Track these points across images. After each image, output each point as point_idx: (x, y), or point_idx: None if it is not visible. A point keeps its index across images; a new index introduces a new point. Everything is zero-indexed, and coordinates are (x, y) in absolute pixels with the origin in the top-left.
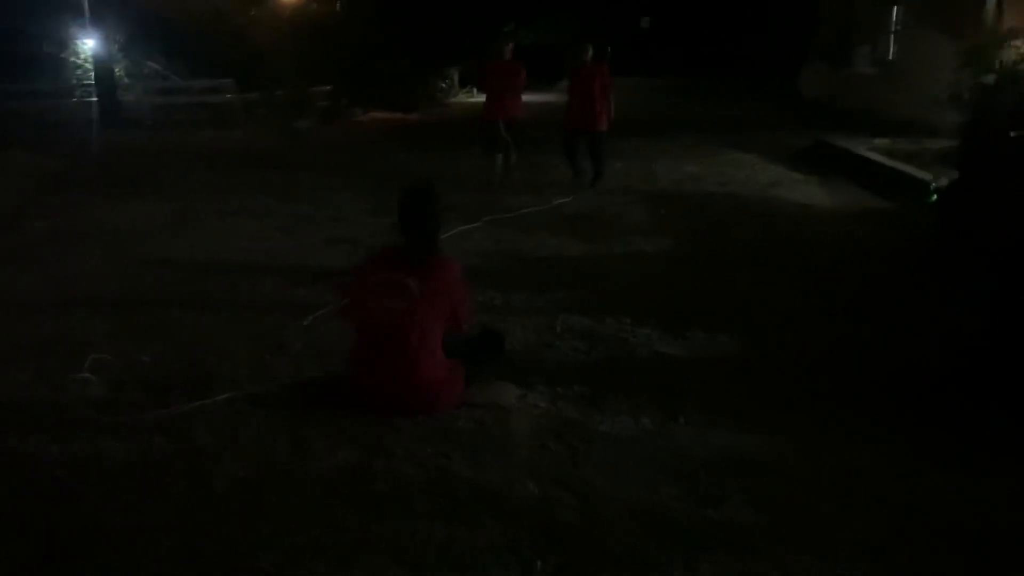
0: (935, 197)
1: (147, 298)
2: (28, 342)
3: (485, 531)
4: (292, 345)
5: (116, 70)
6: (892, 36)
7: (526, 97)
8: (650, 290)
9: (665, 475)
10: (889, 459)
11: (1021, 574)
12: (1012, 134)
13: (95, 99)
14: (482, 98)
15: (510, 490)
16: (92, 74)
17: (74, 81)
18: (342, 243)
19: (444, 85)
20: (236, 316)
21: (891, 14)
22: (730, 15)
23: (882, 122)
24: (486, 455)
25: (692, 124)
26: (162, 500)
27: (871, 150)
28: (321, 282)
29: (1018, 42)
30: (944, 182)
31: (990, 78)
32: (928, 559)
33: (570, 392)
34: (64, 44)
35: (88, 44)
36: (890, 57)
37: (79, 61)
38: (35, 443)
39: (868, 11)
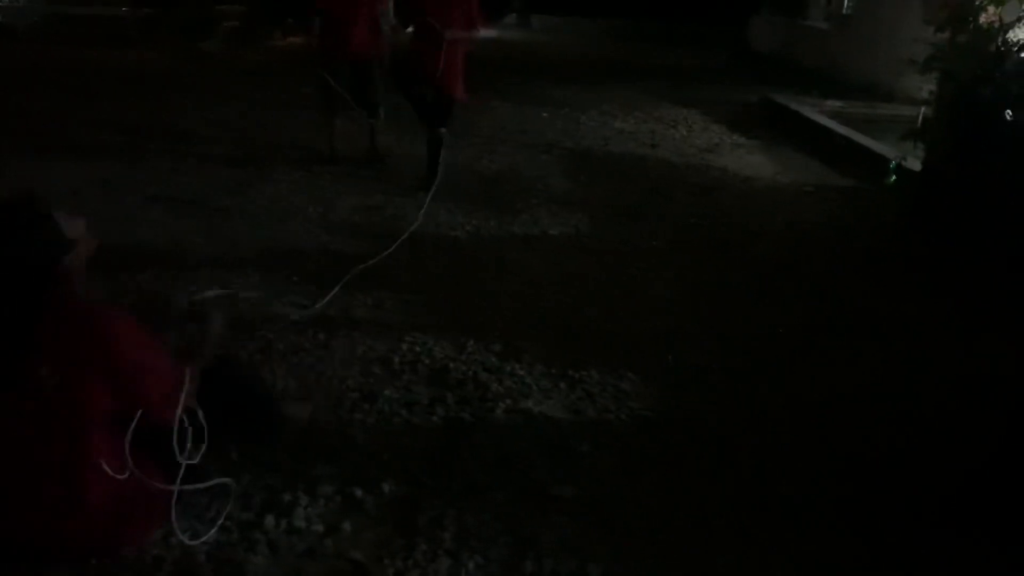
0: (894, 178)
1: None
2: None
3: None
4: None
5: None
6: None
7: None
8: (541, 297)
9: None
10: None
11: None
12: (1009, 115)
13: None
14: None
15: None
16: None
17: None
18: (156, 208)
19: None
20: None
21: None
22: None
23: (834, 82)
24: None
25: (629, 72)
26: None
27: (821, 113)
28: None
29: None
30: (909, 161)
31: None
32: None
33: (375, 498)
34: None
35: None
36: (845, 11)
37: None
38: None
39: None
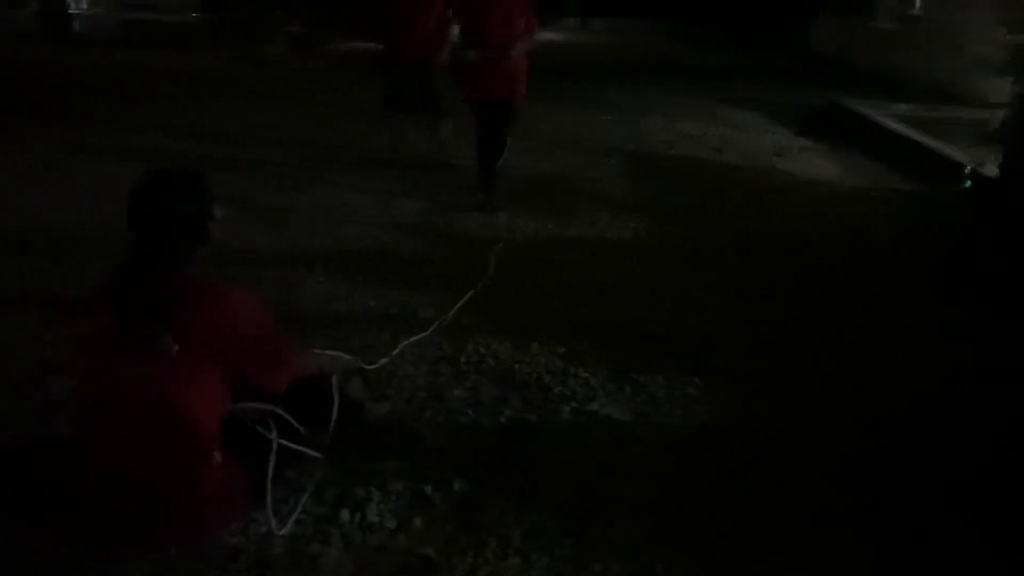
0: (968, 183)
1: None
2: None
3: None
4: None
5: None
6: None
7: None
8: (603, 301)
9: None
10: None
11: None
12: None
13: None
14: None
15: None
16: None
17: None
18: (222, 206)
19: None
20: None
21: None
22: None
23: (901, 84)
24: None
25: (691, 75)
26: None
27: (889, 117)
28: (51, 311)
29: None
30: (986, 168)
31: None
32: None
33: (443, 496)
34: None
35: None
36: (916, 11)
37: None
38: None
39: None
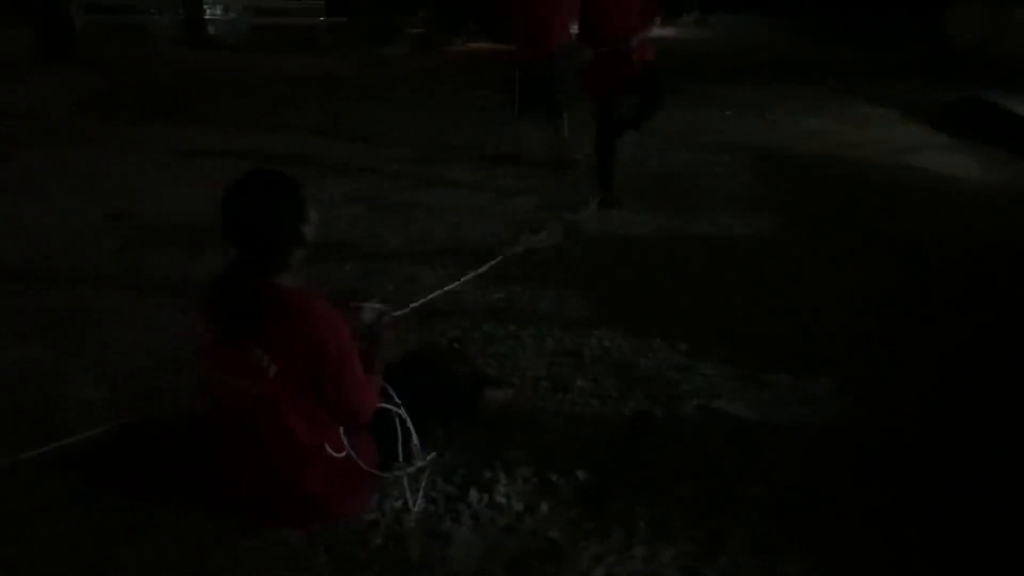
0: None
1: (63, 270)
2: None
3: None
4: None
5: None
6: None
7: None
8: (726, 299)
9: None
10: None
11: None
12: None
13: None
14: None
15: None
16: None
17: None
18: (351, 203)
19: None
20: (142, 308)
21: None
22: None
23: None
24: None
25: (816, 69)
26: None
27: None
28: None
29: None
30: None
31: None
32: None
33: (569, 483)
34: None
35: None
36: None
37: None
38: None
39: None
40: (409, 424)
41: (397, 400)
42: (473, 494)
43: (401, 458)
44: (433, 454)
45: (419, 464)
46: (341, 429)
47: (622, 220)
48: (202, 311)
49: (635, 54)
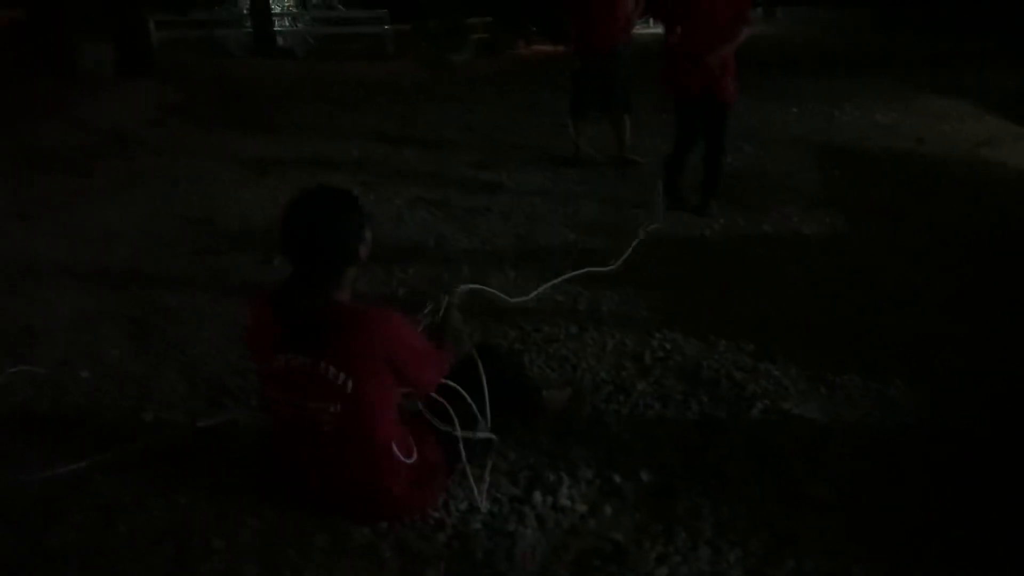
0: None
1: (146, 274)
2: None
3: None
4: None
5: (285, 0)
6: None
7: None
8: (794, 297)
9: None
10: None
11: None
12: None
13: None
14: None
15: None
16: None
17: (245, 11)
18: (419, 208)
19: None
20: (220, 309)
21: None
22: None
23: None
24: None
25: (887, 62)
26: None
27: None
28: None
29: None
30: None
31: None
32: None
33: (632, 485)
34: None
35: None
36: None
37: None
38: None
39: None
40: (480, 418)
41: (466, 397)
42: (537, 496)
43: (466, 459)
44: (493, 446)
45: (485, 461)
46: (409, 436)
47: (688, 219)
48: (266, 329)
49: (721, 73)
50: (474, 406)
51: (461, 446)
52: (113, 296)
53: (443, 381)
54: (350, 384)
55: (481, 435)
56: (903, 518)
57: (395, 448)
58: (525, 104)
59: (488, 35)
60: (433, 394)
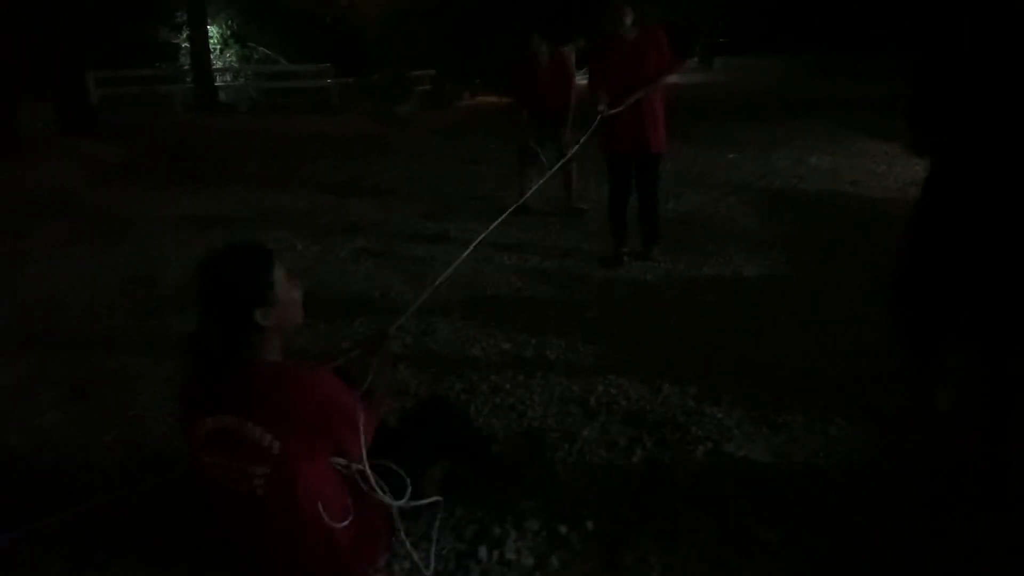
0: None
1: (85, 337)
2: None
3: None
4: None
5: (227, 55)
6: None
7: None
8: (736, 338)
9: None
10: None
11: None
12: None
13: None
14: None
15: None
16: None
17: (186, 67)
18: (365, 259)
19: None
20: (161, 371)
21: None
22: None
23: None
24: None
25: (821, 107)
26: None
27: None
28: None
29: None
30: None
31: None
32: None
33: (579, 535)
34: (180, 29)
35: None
36: None
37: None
38: None
39: None
40: (410, 483)
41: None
42: (482, 551)
43: (403, 530)
44: (438, 499)
45: (433, 521)
46: (347, 497)
47: (630, 264)
48: (195, 390)
49: (645, 111)
50: (416, 471)
51: (395, 513)
52: (51, 360)
53: (390, 437)
54: (276, 445)
55: (424, 502)
56: (855, 559)
57: (323, 512)
58: (471, 155)
59: (433, 87)
60: (370, 461)
